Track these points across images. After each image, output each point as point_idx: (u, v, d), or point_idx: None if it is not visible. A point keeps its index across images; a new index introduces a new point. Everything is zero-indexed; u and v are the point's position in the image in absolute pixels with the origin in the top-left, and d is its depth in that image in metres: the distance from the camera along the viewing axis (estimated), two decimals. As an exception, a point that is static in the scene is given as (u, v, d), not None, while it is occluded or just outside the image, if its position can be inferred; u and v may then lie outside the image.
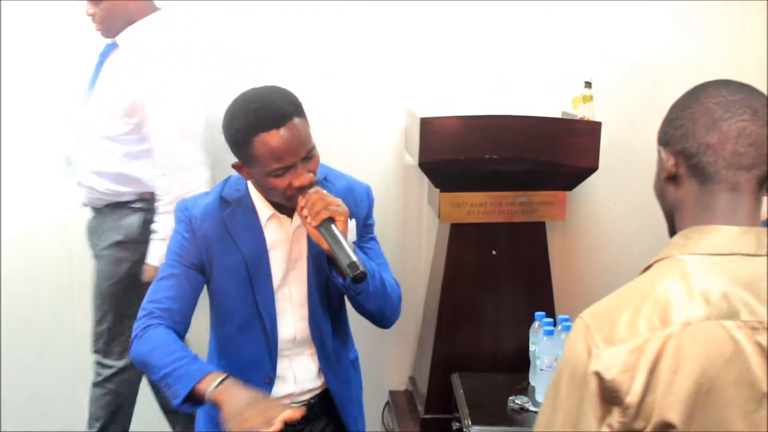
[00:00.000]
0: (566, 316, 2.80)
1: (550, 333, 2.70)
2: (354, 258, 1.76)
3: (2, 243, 3.30)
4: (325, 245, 1.80)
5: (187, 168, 2.80)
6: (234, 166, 1.89)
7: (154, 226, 2.85)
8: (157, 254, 2.81)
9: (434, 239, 3.32)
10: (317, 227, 1.80)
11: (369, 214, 2.05)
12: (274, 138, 1.77)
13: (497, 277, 3.10)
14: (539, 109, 3.21)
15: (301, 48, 3.26)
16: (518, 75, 3.33)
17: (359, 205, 2.01)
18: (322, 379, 2.05)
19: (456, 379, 2.93)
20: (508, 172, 2.99)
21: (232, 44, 3.24)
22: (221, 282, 1.96)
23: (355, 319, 2.13)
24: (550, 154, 2.96)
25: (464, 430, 2.61)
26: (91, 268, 3.02)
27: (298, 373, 2.03)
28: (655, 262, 1.27)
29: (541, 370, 2.72)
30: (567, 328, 2.74)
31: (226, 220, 1.93)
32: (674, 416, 1.15)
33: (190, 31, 3.00)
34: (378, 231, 2.12)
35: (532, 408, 2.67)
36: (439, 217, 3.07)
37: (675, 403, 1.15)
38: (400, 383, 3.51)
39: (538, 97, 3.30)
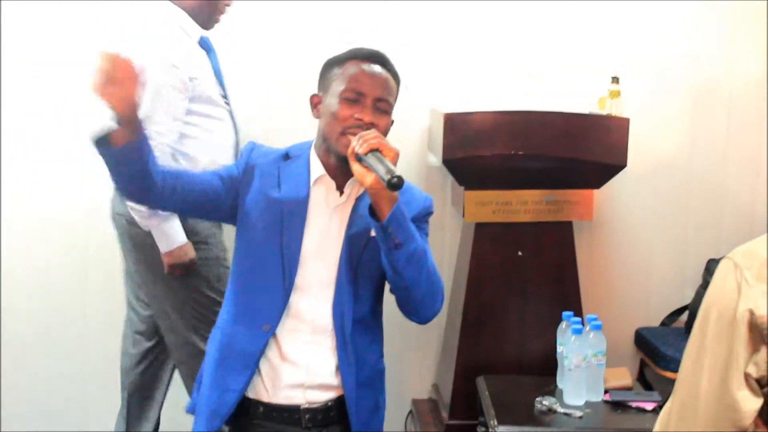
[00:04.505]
0: (595, 315, 2.73)
1: (578, 332, 2.63)
2: (393, 168, 1.78)
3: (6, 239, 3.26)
4: (366, 180, 1.82)
5: None
6: (311, 99, 2.03)
7: None
8: None
9: (458, 241, 3.26)
10: (362, 157, 1.82)
11: (420, 218, 2.02)
12: (364, 65, 1.96)
13: (523, 279, 3.03)
14: (566, 108, 3.15)
15: (323, 46, 3.22)
16: (544, 74, 3.29)
17: (411, 204, 1.99)
18: (339, 378, 1.97)
19: (481, 382, 2.85)
20: (535, 169, 2.93)
21: (255, 44, 3.22)
22: (253, 212, 2.00)
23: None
24: (578, 151, 2.90)
25: (490, 431, 2.54)
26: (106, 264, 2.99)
27: (312, 363, 1.96)
28: None
29: (569, 370, 2.64)
30: (596, 327, 2.67)
31: (280, 166, 2.03)
32: None
33: None
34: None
35: (560, 409, 2.59)
36: (463, 216, 3.01)
37: None
38: (423, 392, 3.43)
39: (565, 96, 3.24)
